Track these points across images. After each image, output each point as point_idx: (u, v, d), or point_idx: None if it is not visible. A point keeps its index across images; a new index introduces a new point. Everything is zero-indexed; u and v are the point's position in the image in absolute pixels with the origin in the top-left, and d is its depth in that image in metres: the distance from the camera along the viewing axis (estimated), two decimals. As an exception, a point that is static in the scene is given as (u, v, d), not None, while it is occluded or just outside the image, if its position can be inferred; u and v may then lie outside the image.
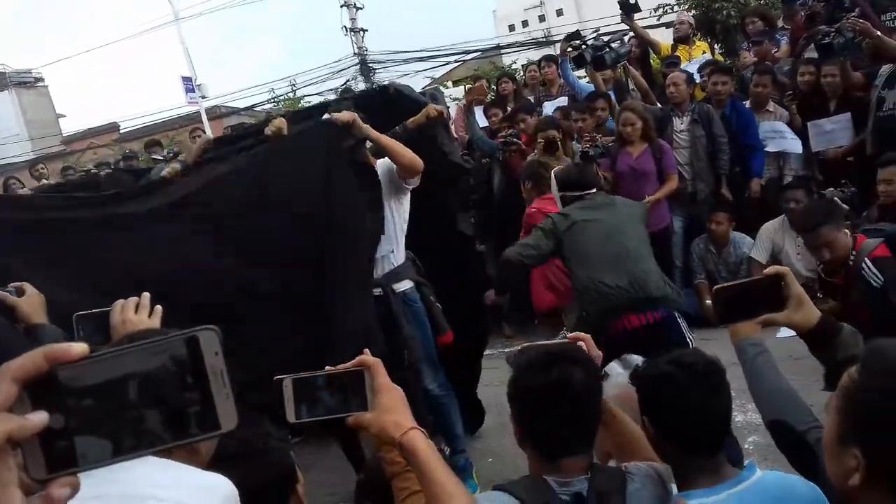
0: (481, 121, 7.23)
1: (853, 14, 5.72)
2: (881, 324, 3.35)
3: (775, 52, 7.20)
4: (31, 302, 2.20)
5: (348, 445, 4.13)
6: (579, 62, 6.63)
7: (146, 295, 1.81)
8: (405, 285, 4.03)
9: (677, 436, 1.77)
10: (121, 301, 1.80)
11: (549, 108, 7.09)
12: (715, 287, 1.71)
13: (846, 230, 3.57)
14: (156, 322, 1.76)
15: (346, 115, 3.55)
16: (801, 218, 4.00)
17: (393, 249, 3.97)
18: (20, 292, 2.23)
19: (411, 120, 3.98)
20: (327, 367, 1.41)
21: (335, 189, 3.57)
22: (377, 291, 3.94)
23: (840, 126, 6.03)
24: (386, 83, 4.37)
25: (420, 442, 1.38)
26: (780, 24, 7.75)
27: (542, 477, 1.66)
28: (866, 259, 3.45)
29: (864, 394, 1.16)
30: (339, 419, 1.41)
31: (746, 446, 3.92)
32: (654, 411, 1.80)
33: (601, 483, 1.66)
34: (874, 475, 1.14)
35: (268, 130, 3.76)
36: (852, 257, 3.51)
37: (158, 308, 1.79)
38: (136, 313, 1.78)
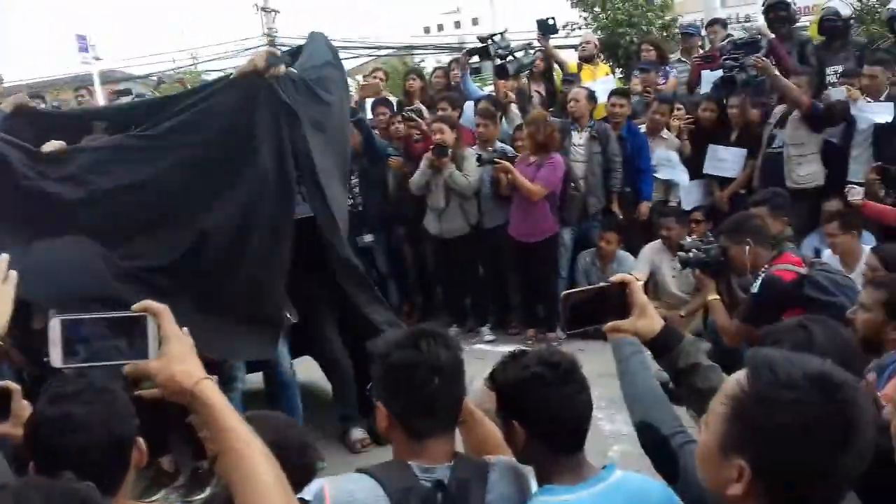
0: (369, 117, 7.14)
1: (760, 54, 6.04)
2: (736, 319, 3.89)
3: (662, 82, 7.52)
4: None
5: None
6: (484, 55, 6.69)
7: (4, 256, 1.64)
8: None
9: (543, 435, 1.78)
10: None
11: (467, 108, 7.08)
12: (563, 293, 1.75)
13: (744, 245, 3.85)
14: (10, 289, 1.60)
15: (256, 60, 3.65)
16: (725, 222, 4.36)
17: None
18: None
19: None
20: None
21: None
22: None
23: (733, 158, 6.37)
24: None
25: (211, 391, 1.31)
26: (677, 55, 8.08)
27: (405, 462, 1.66)
28: (766, 271, 3.75)
29: (755, 405, 1.15)
30: (114, 366, 1.33)
31: (611, 454, 4.05)
32: (521, 412, 1.79)
33: (463, 471, 1.67)
34: (758, 486, 1.14)
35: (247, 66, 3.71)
36: (765, 268, 3.79)
37: (13, 273, 1.62)
38: None
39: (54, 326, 1.27)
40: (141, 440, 1.76)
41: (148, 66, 21.89)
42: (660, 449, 1.74)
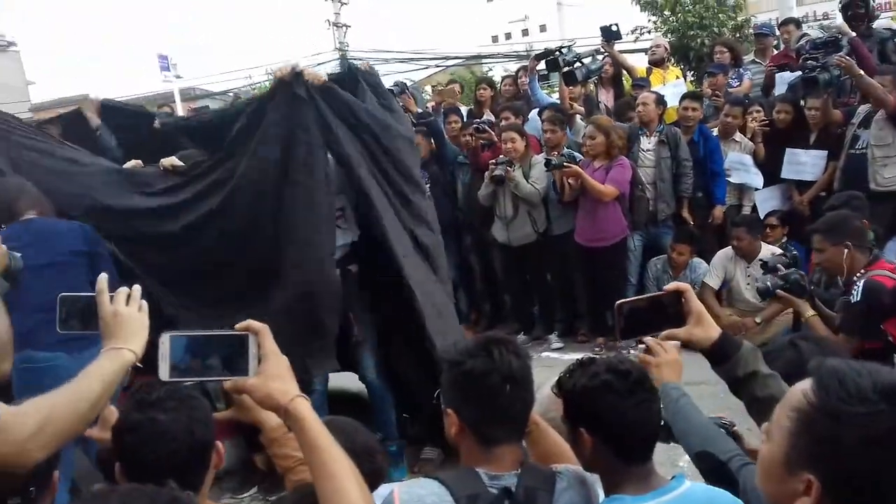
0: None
1: (843, 53, 5.85)
2: (841, 333, 3.67)
3: (737, 85, 7.35)
4: None
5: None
6: (552, 66, 6.68)
7: (137, 287, 1.76)
8: (355, 267, 4.20)
9: (612, 443, 1.77)
10: (103, 288, 1.73)
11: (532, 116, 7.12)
12: (617, 302, 1.73)
13: (842, 247, 3.69)
14: (144, 318, 1.73)
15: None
16: (818, 221, 4.17)
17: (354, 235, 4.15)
18: None
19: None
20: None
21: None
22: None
23: (813, 161, 6.18)
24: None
25: (306, 410, 1.36)
26: (750, 56, 7.89)
27: (473, 469, 1.67)
28: (866, 277, 3.60)
29: (824, 419, 1.12)
30: (216, 382, 1.39)
31: (682, 464, 3.97)
32: (589, 419, 1.79)
33: (530, 479, 1.68)
34: (828, 500, 1.12)
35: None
36: (860, 273, 3.66)
37: (145, 303, 1.74)
38: (127, 305, 1.73)
39: (164, 342, 1.36)
40: (219, 444, 1.85)
41: (225, 82, 22.66)
42: (719, 474, 1.74)
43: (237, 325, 1.40)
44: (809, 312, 3.97)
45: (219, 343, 1.39)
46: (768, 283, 4.19)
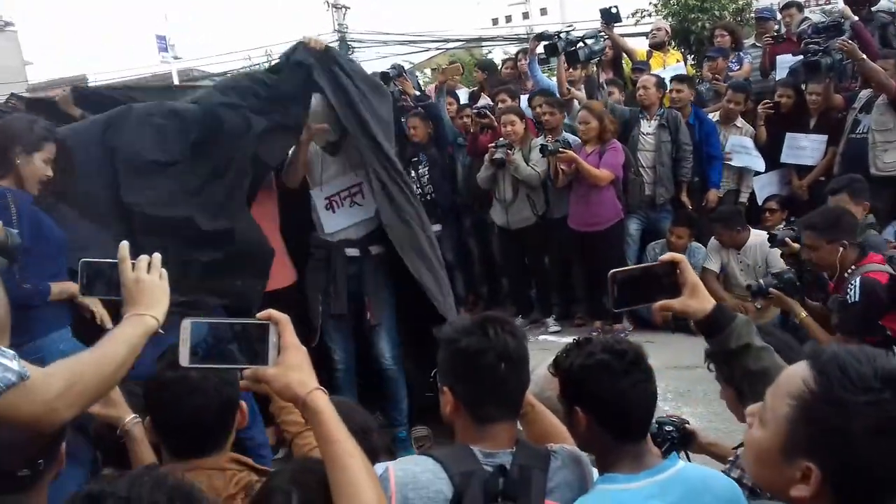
0: None
1: (845, 37, 5.82)
2: (839, 333, 3.63)
3: (737, 69, 7.31)
4: None
5: None
6: (551, 51, 6.65)
7: (157, 256, 1.81)
8: (378, 248, 4.18)
9: (606, 422, 1.78)
10: (126, 255, 1.77)
11: (523, 100, 7.11)
12: (611, 271, 1.69)
13: (838, 245, 3.66)
14: (165, 285, 1.78)
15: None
16: (810, 215, 4.12)
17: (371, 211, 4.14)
18: None
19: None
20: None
21: None
22: (355, 252, 4.19)
23: (813, 145, 6.17)
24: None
25: (323, 402, 1.38)
26: (751, 40, 7.85)
27: (468, 447, 1.68)
28: (859, 276, 3.56)
29: (826, 407, 1.11)
30: (236, 370, 1.40)
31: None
32: (584, 398, 1.80)
33: (525, 457, 1.69)
34: (829, 488, 1.11)
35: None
36: (851, 269, 3.63)
37: (164, 271, 1.80)
38: (148, 273, 1.78)
39: (185, 327, 1.37)
40: (244, 403, 1.94)
41: (223, 63, 22.53)
42: None
43: (258, 314, 1.41)
44: (803, 313, 3.95)
45: (239, 331, 1.40)
46: (761, 282, 4.19)
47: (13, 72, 25.80)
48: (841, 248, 3.66)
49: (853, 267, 3.64)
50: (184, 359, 1.38)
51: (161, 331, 1.73)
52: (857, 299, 3.51)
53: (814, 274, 4.05)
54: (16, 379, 1.42)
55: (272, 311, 1.42)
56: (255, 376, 1.40)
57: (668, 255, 1.71)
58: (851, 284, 3.57)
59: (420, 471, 1.64)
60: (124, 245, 1.79)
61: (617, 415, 1.75)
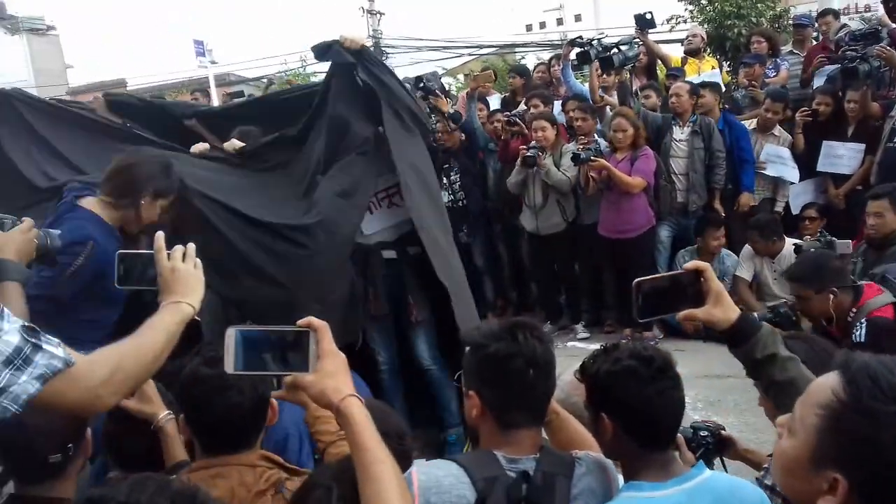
0: None
1: (883, 44, 5.73)
2: None
3: (773, 76, 7.22)
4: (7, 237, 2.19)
5: None
6: (584, 59, 6.63)
7: (192, 245, 1.85)
8: (414, 249, 4.15)
9: (633, 429, 1.77)
10: (161, 245, 1.82)
11: (556, 106, 7.10)
12: (635, 280, 1.68)
13: (828, 293, 3.57)
14: (200, 274, 1.83)
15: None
16: (793, 266, 4.04)
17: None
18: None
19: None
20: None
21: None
22: (391, 255, 4.20)
23: (850, 154, 6.09)
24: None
25: (357, 409, 1.40)
26: (788, 47, 7.75)
27: (492, 452, 1.69)
28: (864, 319, 3.46)
29: (857, 417, 1.09)
30: (277, 376, 1.43)
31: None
32: (610, 404, 1.79)
33: (549, 464, 1.69)
34: (855, 499, 1.09)
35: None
36: (853, 312, 3.53)
37: (199, 261, 1.85)
38: (184, 262, 1.82)
39: (230, 335, 1.41)
40: (274, 401, 1.95)
41: (259, 68, 22.83)
42: None
43: (298, 322, 1.44)
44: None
45: (281, 338, 1.43)
46: (755, 315, 4.13)
47: (55, 75, 26.38)
48: (832, 296, 3.56)
49: (854, 311, 3.53)
50: (229, 366, 1.42)
51: (197, 317, 1.77)
52: (863, 341, 3.40)
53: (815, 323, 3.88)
54: (62, 366, 1.45)
55: (311, 319, 1.44)
56: (295, 382, 1.43)
57: (692, 264, 1.70)
58: (858, 326, 3.48)
59: (443, 475, 1.64)
60: (160, 235, 1.84)
61: (643, 422, 1.74)
